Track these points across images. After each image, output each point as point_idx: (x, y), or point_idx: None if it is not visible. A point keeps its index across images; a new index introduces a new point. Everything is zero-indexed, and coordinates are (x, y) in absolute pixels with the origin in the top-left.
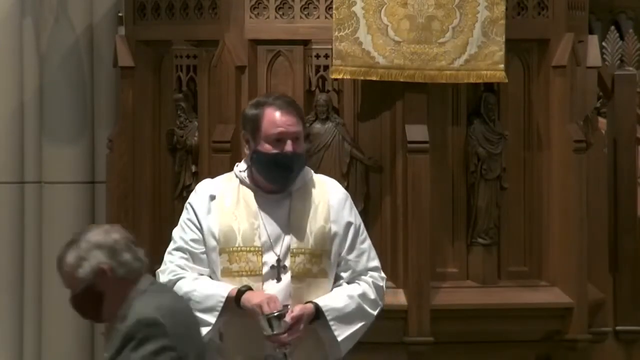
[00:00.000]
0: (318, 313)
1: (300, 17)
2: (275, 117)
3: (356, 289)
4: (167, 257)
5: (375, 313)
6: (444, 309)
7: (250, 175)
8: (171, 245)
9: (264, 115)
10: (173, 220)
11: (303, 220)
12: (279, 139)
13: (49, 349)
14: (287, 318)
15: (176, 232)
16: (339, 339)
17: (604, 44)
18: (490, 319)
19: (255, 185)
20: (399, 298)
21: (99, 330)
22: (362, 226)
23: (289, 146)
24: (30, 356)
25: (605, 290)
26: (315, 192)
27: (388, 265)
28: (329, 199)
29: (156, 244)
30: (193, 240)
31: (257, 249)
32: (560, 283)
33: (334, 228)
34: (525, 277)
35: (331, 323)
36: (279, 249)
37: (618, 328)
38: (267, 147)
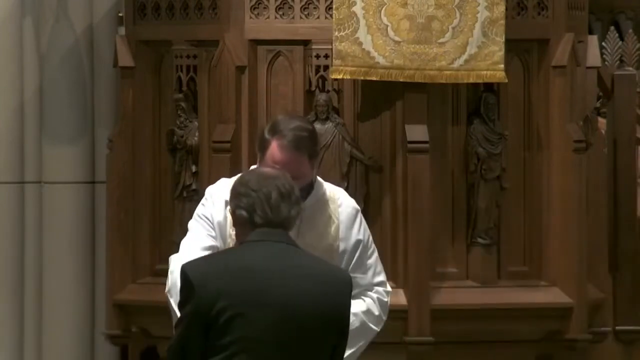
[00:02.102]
0: None
1: (300, 17)
2: (276, 153)
3: (360, 305)
4: (182, 244)
5: (378, 329)
6: (444, 309)
7: None
8: (188, 236)
9: (270, 146)
10: (173, 220)
11: (311, 238)
12: None
13: (49, 349)
14: None
15: (192, 224)
16: None
17: (603, 44)
18: (490, 319)
19: None
20: (399, 298)
21: (99, 330)
22: (370, 239)
23: None
24: (30, 356)
25: (605, 290)
26: (326, 209)
27: (388, 265)
28: (339, 215)
29: (156, 244)
30: (206, 237)
31: None
32: (560, 283)
33: (342, 246)
34: (525, 277)
35: None
36: None
37: (618, 328)
38: None
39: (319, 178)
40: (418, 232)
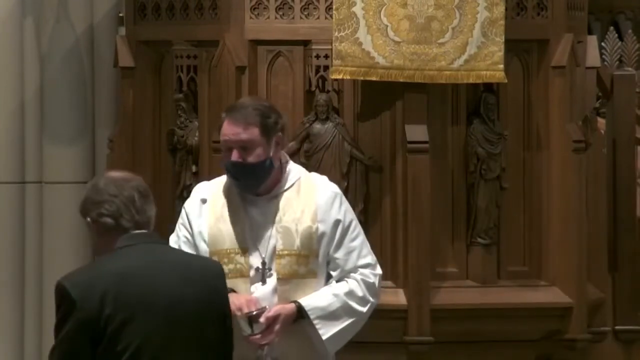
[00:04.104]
0: (302, 312)
1: (300, 18)
2: (225, 127)
3: (343, 286)
4: None
5: (364, 310)
6: (444, 309)
7: None
8: None
9: (224, 121)
10: (173, 220)
11: (289, 221)
12: (227, 147)
13: (49, 349)
14: (262, 319)
15: (172, 238)
16: (324, 337)
17: (603, 44)
18: (490, 319)
19: None
20: (399, 298)
21: None
22: (355, 223)
23: (234, 155)
24: (31, 356)
25: (605, 290)
26: (303, 193)
27: (388, 265)
28: (316, 198)
29: None
30: (184, 242)
31: (243, 251)
32: (559, 283)
33: (322, 228)
34: (525, 277)
35: (315, 322)
36: (265, 252)
37: (617, 328)
38: (223, 154)
39: (296, 165)
40: (418, 232)
